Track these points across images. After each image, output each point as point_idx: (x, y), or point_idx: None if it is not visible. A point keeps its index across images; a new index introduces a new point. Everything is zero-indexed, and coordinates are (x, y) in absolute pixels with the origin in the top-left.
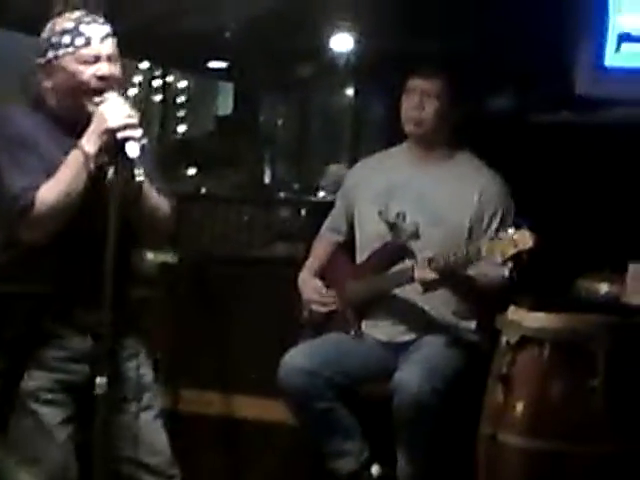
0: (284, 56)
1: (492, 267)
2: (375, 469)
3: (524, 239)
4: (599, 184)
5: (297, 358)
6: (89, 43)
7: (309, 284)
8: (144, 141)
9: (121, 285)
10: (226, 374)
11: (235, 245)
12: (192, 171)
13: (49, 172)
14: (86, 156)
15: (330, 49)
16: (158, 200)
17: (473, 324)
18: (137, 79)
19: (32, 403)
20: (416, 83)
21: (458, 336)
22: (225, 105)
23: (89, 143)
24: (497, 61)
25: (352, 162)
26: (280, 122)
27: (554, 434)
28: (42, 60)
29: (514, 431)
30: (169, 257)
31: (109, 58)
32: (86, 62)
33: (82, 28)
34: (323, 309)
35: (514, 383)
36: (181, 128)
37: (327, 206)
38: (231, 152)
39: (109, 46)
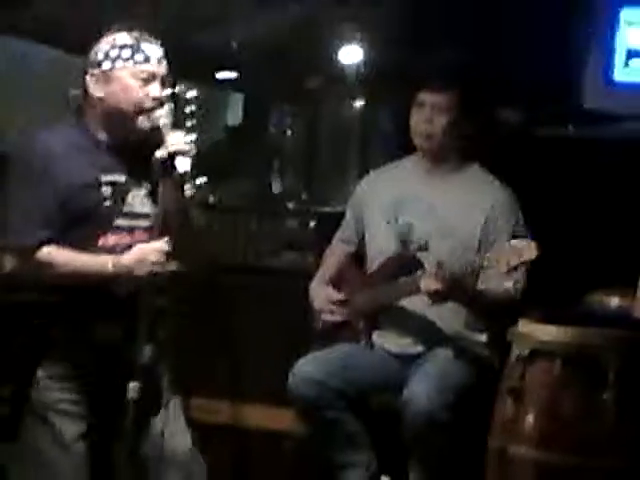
0: (294, 67)
1: (500, 281)
2: None
3: (529, 249)
4: (609, 198)
5: (307, 368)
6: (148, 61)
7: (320, 293)
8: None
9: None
10: (235, 383)
11: (243, 255)
12: (200, 180)
13: (73, 194)
14: (114, 267)
15: (339, 61)
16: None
17: (484, 337)
18: None
19: (49, 415)
20: (426, 97)
21: (468, 349)
22: (234, 115)
23: (126, 260)
24: (506, 75)
25: (361, 173)
26: (289, 133)
27: (564, 448)
28: (96, 70)
29: (524, 444)
30: (177, 266)
31: (162, 80)
32: (142, 79)
33: (143, 46)
34: (333, 318)
35: (524, 396)
36: (190, 138)
37: (335, 216)
38: (240, 162)
39: (164, 68)
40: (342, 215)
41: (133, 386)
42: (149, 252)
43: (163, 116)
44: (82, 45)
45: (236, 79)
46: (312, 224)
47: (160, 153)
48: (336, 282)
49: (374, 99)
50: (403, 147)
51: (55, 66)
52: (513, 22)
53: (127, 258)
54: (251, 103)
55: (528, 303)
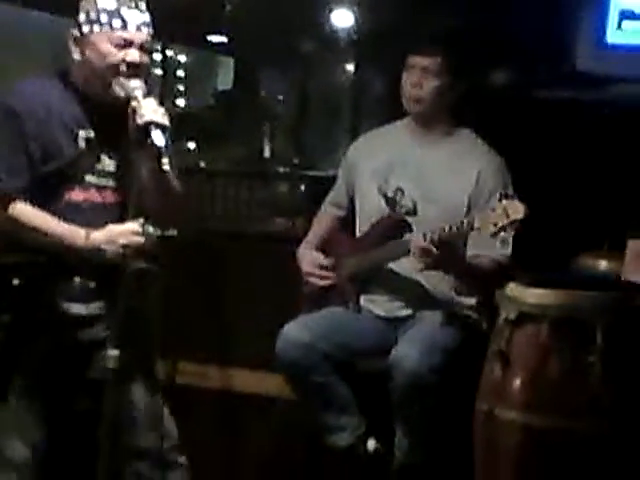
0: (285, 31)
1: (489, 243)
2: (371, 444)
3: (515, 209)
4: (599, 161)
5: (294, 331)
6: (125, 27)
7: (308, 257)
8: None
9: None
10: (223, 347)
11: (234, 219)
12: (191, 145)
13: (55, 150)
14: (85, 242)
15: (331, 24)
16: (174, 183)
17: (472, 300)
18: None
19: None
20: (416, 60)
21: (457, 312)
22: (225, 80)
23: (97, 239)
24: (498, 38)
25: (352, 137)
26: (280, 97)
27: (552, 410)
28: (76, 32)
29: (512, 407)
30: (167, 231)
31: (141, 46)
32: (117, 45)
33: (122, 11)
34: (321, 283)
35: (512, 359)
36: (180, 102)
37: (326, 180)
38: (231, 127)
39: (144, 34)
40: (333, 179)
41: (113, 355)
42: (120, 234)
43: (138, 87)
44: (72, 8)
45: (227, 43)
46: (302, 188)
47: (134, 123)
48: (325, 246)
49: (365, 63)
50: (394, 111)
51: (46, 30)
52: None
53: (98, 236)
54: (242, 67)
55: (516, 267)
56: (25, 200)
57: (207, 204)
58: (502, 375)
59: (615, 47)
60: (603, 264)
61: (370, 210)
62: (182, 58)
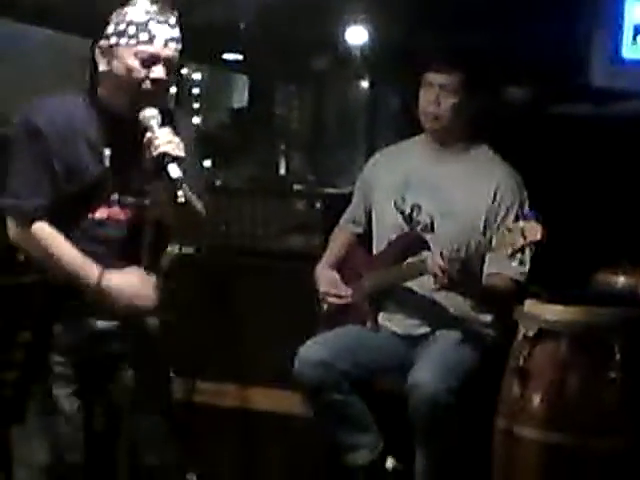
0: (299, 48)
1: (506, 263)
2: (390, 462)
3: (533, 230)
4: (616, 176)
5: (313, 350)
6: (152, 42)
7: (325, 276)
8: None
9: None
10: (241, 366)
11: (250, 237)
12: (207, 163)
13: (80, 169)
14: (97, 283)
15: (345, 41)
16: (197, 206)
17: (489, 317)
18: None
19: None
20: (433, 78)
21: (474, 329)
22: (240, 97)
23: (109, 284)
24: (513, 54)
25: (368, 154)
26: (295, 114)
27: (571, 427)
28: (104, 43)
29: (530, 424)
30: (185, 249)
31: (166, 62)
32: (143, 60)
33: (151, 25)
34: (339, 301)
35: (531, 376)
36: (196, 120)
37: (342, 198)
38: (246, 144)
39: (171, 50)
40: (349, 196)
41: (130, 374)
42: (132, 286)
43: (153, 117)
44: (79, 25)
45: (242, 61)
46: (318, 205)
47: (149, 154)
48: (342, 263)
49: (380, 79)
50: (409, 128)
51: (53, 46)
52: (520, 0)
53: (111, 281)
54: (257, 84)
55: (534, 283)
56: (46, 219)
57: (223, 222)
58: (521, 392)
59: (630, 62)
60: (621, 280)
61: (387, 227)
62: (197, 76)
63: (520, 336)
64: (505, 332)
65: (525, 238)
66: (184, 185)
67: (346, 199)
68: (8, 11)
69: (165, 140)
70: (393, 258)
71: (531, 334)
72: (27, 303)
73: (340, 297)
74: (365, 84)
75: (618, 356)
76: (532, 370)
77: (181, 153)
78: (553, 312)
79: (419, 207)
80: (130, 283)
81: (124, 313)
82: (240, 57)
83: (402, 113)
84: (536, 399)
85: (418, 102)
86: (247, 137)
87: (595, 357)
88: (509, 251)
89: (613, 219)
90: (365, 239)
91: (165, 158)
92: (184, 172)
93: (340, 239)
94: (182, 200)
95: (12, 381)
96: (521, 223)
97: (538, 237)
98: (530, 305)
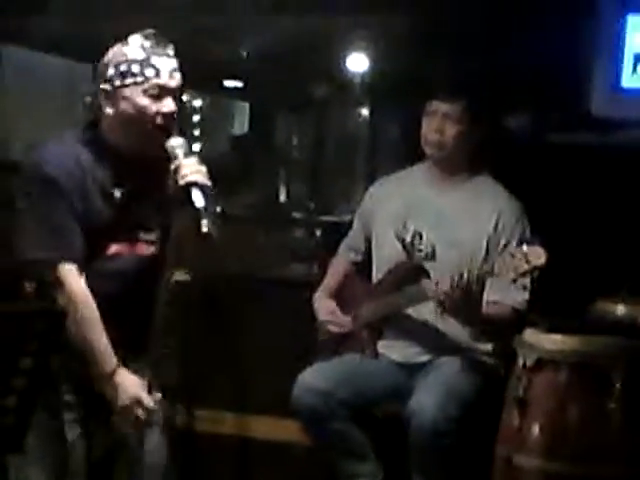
0: (300, 76)
1: (508, 290)
2: None
3: (536, 255)
4: (616, 205)
5: (311, 378)
6: (158, 75)
7: (323, 305)
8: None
9: (150, 305)
10: (240, 394)
11: (250, 265)
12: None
13: (92, 211)
14: (109, 375)
15: (346, 69)
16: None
17: (489, 346)
18: None
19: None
20: (437, 106)
21: (474, 358)
22: (241, 124)
23: (120, 382)
24: (513, 82)
25: (368, 182)
26: (295, 142)
27: (570, 457)
28: (107, 86)
29: (530, 454)
30: (182, 276)
31: (174, 93)
32: (152, 95)
33: (153, 60)
34: (337, 330)
35: (530, 405)
36: (196, 147)
37: (342, 226)
38: (246, 171)
39: (176, 81)
40: (349, 225)
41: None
42: (140, 404)
43: (180, 146)
44: (91, 55)
45: (242, 88)
46: (318, 233)
47: (175, 183)
48: (341, 292)
49: (380, 107)
50: (410, 156)
51: (63, 76)
52: (521, 29)
53: (124, 380)
54: (257, 112)
55: (534, 312)
56: (81, 272)
57: (222, 249)
58: (520, 421)
59: (630, 91)
60: (621, 309)
61: (387, 255)
62: (197, 103)
63: (519, 365)
64: (505, 360)
65: (529, 263)
66: (208, 214)
67: (346, 227)
68: (24, 40)
69: (194, 169)
70: (392, 286)
71: (530, 363)
72: (30, 330)
73: (339, 326)
74: (366, 112)
75: (617, 386)
76: (531, 400)
77: (208, 182)
78: (552, 341)
79: (420, 235)
80: (137, 387)
81: (119, 414)
82: (241, 84)
83: (402, 141)
84: (535, 428)
85: (419, 130)
86: (247, 164)
87: (594, 387)
88: (512, 276)
89: (612, 248)
90: (364, 267)
91: (192, 187)
92: (208, 201)
93: (339, 267)
94: (205, 230)
95: (13, 407)
96: (524, 248)
97: (542, 262)
98: (529, 334)
